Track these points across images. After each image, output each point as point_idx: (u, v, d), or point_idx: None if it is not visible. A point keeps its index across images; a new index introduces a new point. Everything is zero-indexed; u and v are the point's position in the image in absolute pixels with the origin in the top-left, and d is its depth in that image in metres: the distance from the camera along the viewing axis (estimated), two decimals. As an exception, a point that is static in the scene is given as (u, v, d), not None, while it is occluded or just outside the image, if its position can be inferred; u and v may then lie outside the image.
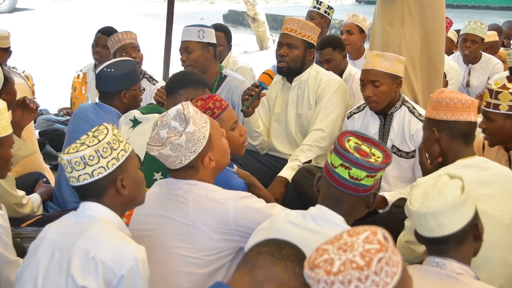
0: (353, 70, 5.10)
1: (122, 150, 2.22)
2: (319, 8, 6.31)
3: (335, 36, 5.46)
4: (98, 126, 2.26)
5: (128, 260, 2.10)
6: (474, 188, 2.63)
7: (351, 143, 2.24)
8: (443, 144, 2.90)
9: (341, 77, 5.01)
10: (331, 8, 6.38)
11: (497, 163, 3.00)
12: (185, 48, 4.43)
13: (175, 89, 3.55)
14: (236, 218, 2.50)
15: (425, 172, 3.00)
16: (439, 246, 2.15)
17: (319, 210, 2.29)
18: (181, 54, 4.48)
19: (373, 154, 2.24)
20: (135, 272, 2.11)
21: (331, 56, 4.95)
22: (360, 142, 2.26)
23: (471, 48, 5.89)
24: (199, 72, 4.40)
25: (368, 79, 3.75)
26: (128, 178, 2.24)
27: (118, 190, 2.22)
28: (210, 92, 3.61)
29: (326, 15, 6.32)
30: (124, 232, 2.25)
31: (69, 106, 6.04)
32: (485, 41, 6.13)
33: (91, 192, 2.21)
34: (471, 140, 2.90)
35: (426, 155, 3.04)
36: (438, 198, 2.13)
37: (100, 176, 2.18)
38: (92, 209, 2.22)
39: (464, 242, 2.15)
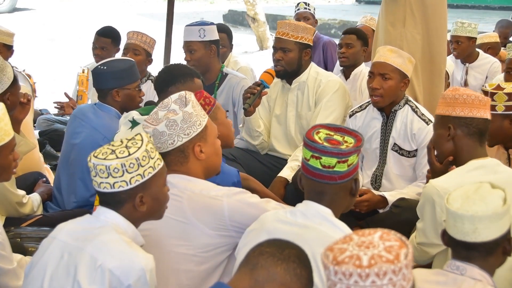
0: (366, 69, 5.06)
1: (150, 167, 2.18)
2: (309, 9, 6.36)
3: (364, 31, 5.49)
4: (136, 134, 2.22)
5: (136, 270, 2.08)
6: None
7: (321, 135, 2.28)
8: (458, 141, 2.85)
9: (352, 71, 5.09)
10: (314, 8, 6.51)
11: (508, 167, 2.96)
12: (188, 48, 4.49)
13: (164, 88, 3.55)
14: (231, 213, 2.51)
15: (434, 171, 2.96)
16: (468, 252, 2.11)
17: (306, 205, 2.33)
18: (185, 54, 4.53)
19: (346, 142, 2.27)
20: (142, 282, 2.09)
21: (353, 42, 5.06)
22: (332, 133, 2.30)
23: (457, 49, 5.88)
24: (202, 71, 4.42)
25: (378, 71, 3.74)
26: (149, 195, 2.21)
27: (135, 206, 2.20)
28: (200, 80, 3.62)
29: (315, 14, 6.40)
30: (137, 240, 2.23)
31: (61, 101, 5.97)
32: (486, 41, 6.12)
33: (110, 201, 2.20)
34: (484, 139, 2.86)
35: (435, 154, 2.99)
36: (480, 204, 2.08)
37: (121, 189, 2.16)
38: (107, 215, 2.21)
39: (493, 254, 2.13)
